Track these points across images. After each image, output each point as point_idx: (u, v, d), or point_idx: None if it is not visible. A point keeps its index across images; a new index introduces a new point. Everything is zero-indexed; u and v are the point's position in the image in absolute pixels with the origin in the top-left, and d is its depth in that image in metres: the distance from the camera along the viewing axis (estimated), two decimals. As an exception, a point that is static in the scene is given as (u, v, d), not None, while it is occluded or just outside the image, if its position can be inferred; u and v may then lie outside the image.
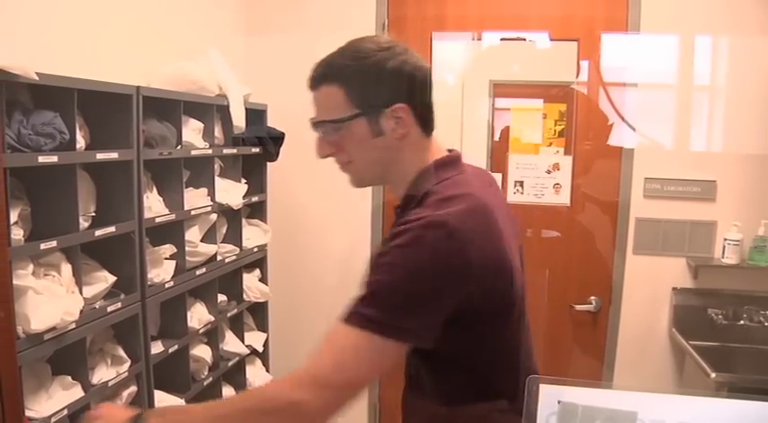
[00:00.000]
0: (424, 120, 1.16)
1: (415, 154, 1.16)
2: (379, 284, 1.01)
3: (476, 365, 1.13)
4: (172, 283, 1.93)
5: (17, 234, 1.40)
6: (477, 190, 1.12)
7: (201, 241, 2.13)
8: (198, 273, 2.08)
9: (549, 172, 2.73)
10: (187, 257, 2.02)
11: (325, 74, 1.14)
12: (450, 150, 1.23)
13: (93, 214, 1.67)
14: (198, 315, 2.13)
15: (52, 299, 1.43)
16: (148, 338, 1.85)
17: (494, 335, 1.12)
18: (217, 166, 2.24)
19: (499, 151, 2.78)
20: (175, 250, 1.96)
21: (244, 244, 2.40)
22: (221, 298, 2.32)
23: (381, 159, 1.16)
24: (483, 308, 1.06)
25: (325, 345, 1.03)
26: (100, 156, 1.61)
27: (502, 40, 2.74)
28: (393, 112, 1.11)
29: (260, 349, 2.59)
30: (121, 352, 1.76)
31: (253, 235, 2.52)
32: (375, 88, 1.11)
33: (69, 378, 1.56)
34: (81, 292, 1.55)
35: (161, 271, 1.90)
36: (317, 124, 1.17)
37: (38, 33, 1.65)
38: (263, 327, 2.67)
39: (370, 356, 1.01)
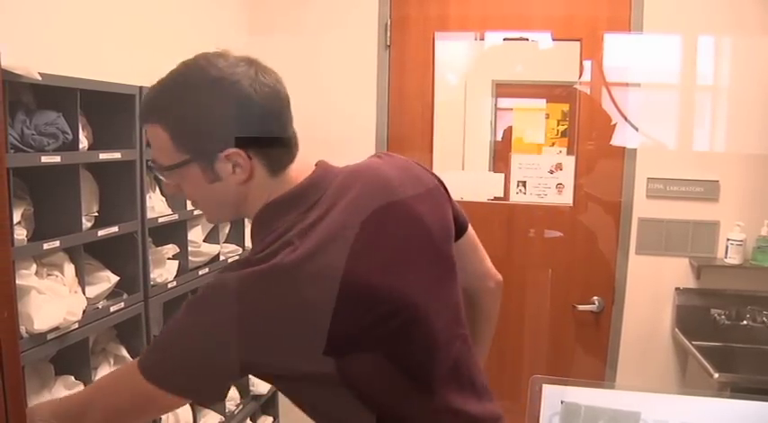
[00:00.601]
0: (272, 158, 1.00)
1: (263, 193, 1.01)
2: (163, 333, 1.04)
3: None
4: (174, 283, 1.93)
5: (20, 234, 1.40)
6: (317, 235, 0.95)
7: (204, 241, 2.13)
8: (201, 273, 2.08)
9: (551, 172, 2.72)
10: (190, 257, 2.02)
11: (148, 111, 1.01)
12: (316, 164, 1.10)
13: (96, 214, 1.67)
14: (200, 315, 2.13)
15: (55, 299, 1.43)
16: (151, 338, 1.85)
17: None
18: (219, 167, 2.24)
19: (502, 151, 2.77)
20: (178, 250, 1.96)
21: (246, 244, 2.40)
22: (224, 298, 2.32)
23: (226, 201, 1.03)
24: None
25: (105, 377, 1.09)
26: (103, 156, 1.61)
27: (505, 39, 2.74)
28: (227, 158, 0.96)
29: (262, 349, 2.59)
30: (124, 352, 1.76)
31: (255, 235, 2.52)
32: (200, 131, 0.96)
33: (72, 378, 1.56)
34: (84, 292, 1.55)
35: (164, 271, 1.90)
36: (152, 164, 1.06)
37: (41, 33, 1.65)
38: None
39: (127, 396, 1.02)
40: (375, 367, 1.00)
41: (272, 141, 0.99)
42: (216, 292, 0.94)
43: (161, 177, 1.07)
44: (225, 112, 0.95)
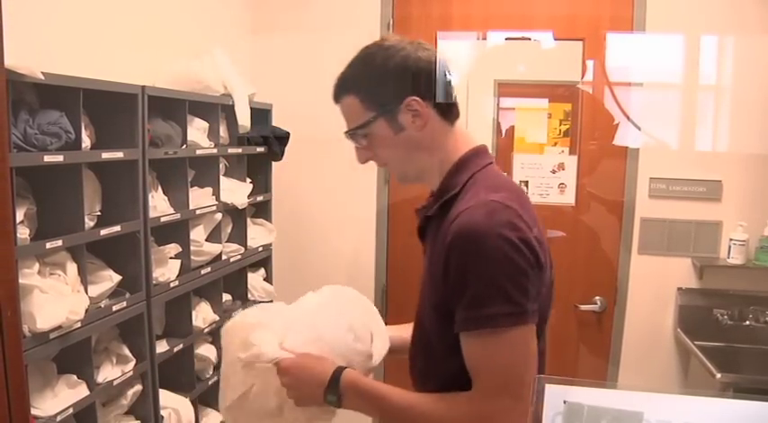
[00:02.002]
0: (442, 108, 1.17)
1: (442, 144, 1.19)
2: (484, 285, 1.03)
3: None
4: (177, 283, 1.94)
5: (23, 233, 1.40)
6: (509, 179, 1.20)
7: (206, 240, 2.14)
8: (203, 272, 2.09)
9: (553, 172, 2.72)
10: (192, 257, 2.02)
11: (340, 87, 1.21)
12: None
13: (99, 213, 1.67)
14: (203, 314, 2.14)
15: (58, 298, 1.44)
16: (153, 337, 1.85)
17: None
18: (222, 166, 2.25)
19: (504, 151, 2.77)
20: (180, 249, 1.97)
21: (249, 243, 2.40)
22: (226, 297, 2.32)
23: (412, 154, 1.19)
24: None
25: (477, 362, 1.06)
26: (105, 155, 1.62)
27: (507, 39, 2.74)
28: (407, 107, 1.14)
29: (264, 349, 2.59)
30: (126, 351, 1.76)
31: (258, 234, 2.53)
32: (383, 88, 1.15)
33: (75, 377, 1.56)
34: (86, 292, 1.55)
35: (166, 270, 1.90)
36: (347, 134, 1.22)
37: (44, 33, 1.65)
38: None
39: (521, 350, 1.05)
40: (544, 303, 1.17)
41: (440, 90, 1.17)
42: (499, 215, 1.05)
43: (356, 144, 1.21)
44: (399, 71, 1.14)
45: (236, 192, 2.28)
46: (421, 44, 1.18)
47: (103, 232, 1.62)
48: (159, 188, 1.94)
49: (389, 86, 1.15)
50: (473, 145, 1.21)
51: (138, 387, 1.81)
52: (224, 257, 2.22)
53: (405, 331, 1.33)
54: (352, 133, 1.20)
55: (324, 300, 1.30)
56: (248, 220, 2.46)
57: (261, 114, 2.50)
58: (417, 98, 1.14)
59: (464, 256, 1.04)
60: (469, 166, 1.17)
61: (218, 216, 2.18)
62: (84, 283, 1.56)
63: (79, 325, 1.50)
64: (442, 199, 1.17)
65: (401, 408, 1.11)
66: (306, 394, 1.14)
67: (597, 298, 2.72)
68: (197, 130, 2.09)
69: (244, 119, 2.26)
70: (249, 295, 2.46)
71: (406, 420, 1.12)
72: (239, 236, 2.37)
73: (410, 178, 1.24)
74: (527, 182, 2.74)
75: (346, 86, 1.19)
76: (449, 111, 1.19)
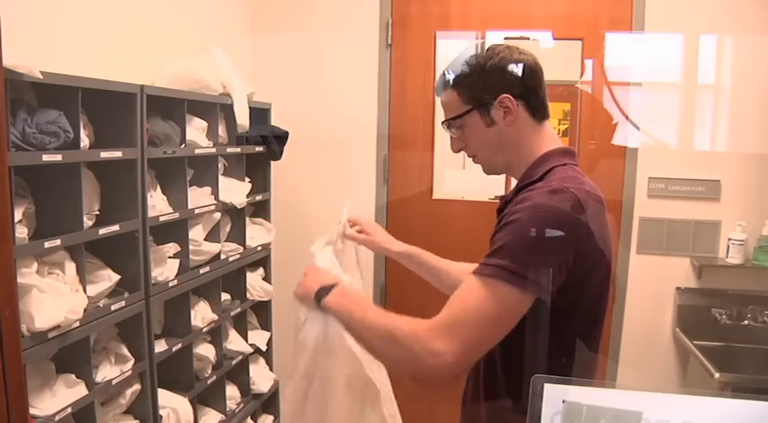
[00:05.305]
0: (532, 107, 1.25)
1: (529, 139, 1.26)
2: (506, 240, 1.10)
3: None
4: (175, 282, 1.94)
5: (21, 232, 1.40)
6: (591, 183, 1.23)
7: (205, 240, 2.13)
8: (202, 271, 2.08)
9: (552, 171, 2.72)
10: (191, 256, 2.02)
11: (442, 82, 1.30)
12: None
13: (98, 213, 1.67)
14: (201, 314, 2.14)
15: (56, 297, 1.43)
16: (152, 337, 1.85)
17: (581, 313, 1.20)
18: (221, 165, 2.24)
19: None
20: (179, 249, 1.97)
21: (247, 243, 2.40)
22: (225, 297, 2.32)
23: (500, 147, 1.27)
24: (582, 283, 1.14)
25: (452, 296, 1.12)
26: (104, 154, 1.61)
27: (506, 39, 2.73)
28: (500, 103, 1.23)
29: (263, 348, 2.59)
30: (125, 350, 1.76)
31: (256, 234, 2.53)
32: (480, 85, 1.24)
33: (73, 376, 1.56)
34: (85, 291, 1.55)
35: (165, 269, 1.90)
36: (444, 124, 1.32)
37: (42, 32, 1.65)
38: (266, 325, 2.67)
39: (494, 306, 1.08)
40: (598, 319, 1.24)
41: (531, 91, 1.25)
42: (559, 196, 1.13)
43: (452, 135, 1.31)
44: (495, 70, 1.23)
45: (235, 191, 2.28)
46: (519, 49, 1.26)
47: (102, 232, 1.61)
48: (158, 187, 1.93)
49: (486, 83, 1.24)
50: (559, 145, 1.28)
51: (137, 386, 1.81)
52: (223, 257, 2.22)
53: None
54: (448, 123, 1.30)
55: None
56: (247, 219, 2.46)
57: (260, 114, 2.50)
58: (510, 96, 1.22)
59: (507, 218, 1.13)
60: (551, 161, 1.23)
61: (217, 215, 2.18)
62: (83, 282, 1.56)
63: (78, 324, 1.50)
64: (519, 186, 1.25)
65: (372, 315, 1.19)
66: (307, 287, 1.34)
67: (596, 297, 2.72)
68: (196, 130, 2.09)
69: (243, 118, 2.26)
70: (248, 295, 2.46)
71: (368, 328, 1.18)
72: (238, 235, 2.37)
73: (497, 170, 1.32)
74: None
75: (448, 81, 1.28)
76: (538, 110, 1.26)
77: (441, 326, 1.08)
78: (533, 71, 1.26)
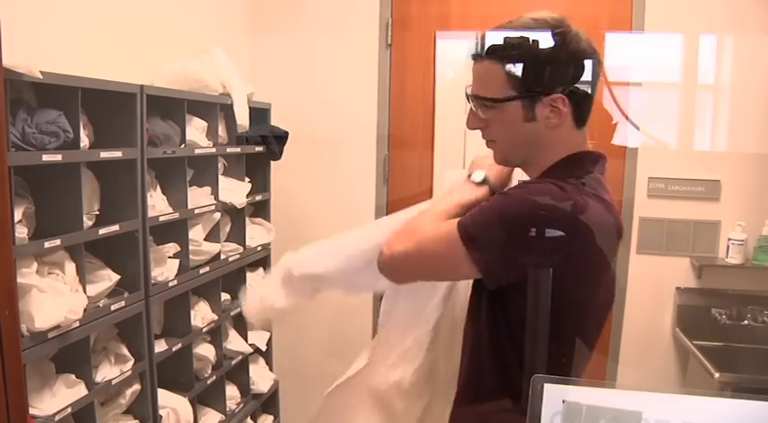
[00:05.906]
0: (581, 112, 1.12)
1: (561, 145, 1.13)
2: (486, 208, 1.10)
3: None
4: (175, 282, 1.93)
5: (21, 232, 1.40)
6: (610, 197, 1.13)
7: (205, 240, 2.13)
8: (201, 271, 2.08)
9: (552, 171, 2.72)
10: (191, 256, 2.02)
11: (489, 49, 1.10)
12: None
13: (97, 213, 1.67)
14: (201, 314, 2.14)
15: (56, 297, 1.43)
16: (152, 337, 1.85)
17: (576, 314, 1.16)
18: (220, 165, 2.24)
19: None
20: (179, 249, 1.97)
21: (247, 243, 2.40)
22: (225, 297, 2.32)
23: (527, 144, 1.13)
24: (574, 287, 1.08)
25: (428, 215, 1.17)
26: (104, 154, 1.61)
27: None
28: (551, 101, 1.07)
29: (263, 348, 2.59)
30: (125, 350, 1.76)
31: (256, 234, 2.53)
32: (537, 74, 1.08)
33: (73, 376, 1.56)
34: (85, 291, 1.55)
35: (165, 269, 1.90)
36: (472, 97, 1.13)
37: (42, 32, 1.65)
38: (266, 325, 2.67)
39: (442, 248, 1.09)
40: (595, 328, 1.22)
41: (586, 96, 1.11)
42: (557, 191, 1.05)
43: (473, 108, 1.13)
44: (559, 61, 1.07)
45: (235, 191, 2.28)
46: (588, 40, 1.09)
47: (102, 232, 1.61)
48: (158, 187, 1.93)
49: (544, 75, 1.08)
50: (584, 149, 1.16)
51: (137, 386, 1.81)
52: (222, 257, 2.22)
53: None
54: (479, 100, 1.11)
55: None
56: (247, 219, 2.46)
57: (259, 114, 2.50)
58: (566, 98, 1.07)
59: (503, 191, 1.14)
60: (570, 167, 1.12)
61: (217, 215, 2.18)
62: (83, 282, 1.56)
63: (77, 324, 1.50)
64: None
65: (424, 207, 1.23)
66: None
67: (596, 297, 2.72)
68: (196, 130, 2.09)
69: (242, 118, 2.26)
70: (248, 295, 2.46)
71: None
72: (238, 235, 2.37)
73: (511, 163, 1.22)
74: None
75: (496, 51, 1.10)
76: (583, 116, 1.14)
77: (402, 229, 1.15)
78: (596, 73, 1.11)
